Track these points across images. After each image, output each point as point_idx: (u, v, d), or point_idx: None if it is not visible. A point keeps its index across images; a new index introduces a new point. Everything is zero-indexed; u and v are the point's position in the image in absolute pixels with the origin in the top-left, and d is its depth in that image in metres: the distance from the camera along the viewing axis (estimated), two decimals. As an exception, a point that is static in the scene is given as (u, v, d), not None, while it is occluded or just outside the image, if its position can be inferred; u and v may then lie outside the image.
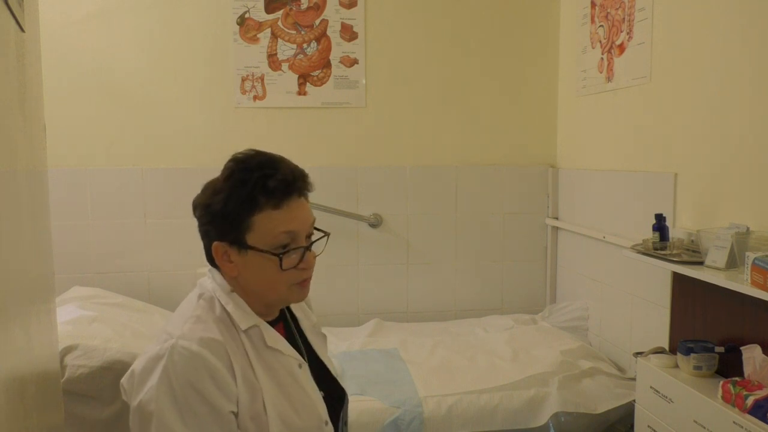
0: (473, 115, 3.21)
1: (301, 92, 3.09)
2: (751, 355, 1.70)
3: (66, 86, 2.89)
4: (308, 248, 1.17)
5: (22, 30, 1.19)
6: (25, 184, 1.17)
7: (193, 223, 1.21)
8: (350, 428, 2.06)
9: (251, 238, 1.13)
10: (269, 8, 3.03)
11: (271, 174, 1.12)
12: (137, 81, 2.96)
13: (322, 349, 1.36)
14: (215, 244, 1.15)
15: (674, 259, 1.96)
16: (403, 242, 3.19)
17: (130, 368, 1.13)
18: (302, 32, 3.06)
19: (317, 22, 3.07)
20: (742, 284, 1.63)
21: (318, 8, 3.06)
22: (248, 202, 1.12)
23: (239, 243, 1.13)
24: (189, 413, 1.05)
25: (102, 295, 2.68)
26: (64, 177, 2.90)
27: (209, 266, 1.23)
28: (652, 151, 2.39)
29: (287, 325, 1.30)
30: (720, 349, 1.86)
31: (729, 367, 1.84)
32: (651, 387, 1.98)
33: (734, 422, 1.59)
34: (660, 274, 2.25)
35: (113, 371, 2.01)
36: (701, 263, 1.88)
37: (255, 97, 3.05)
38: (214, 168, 1.22)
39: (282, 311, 1.29)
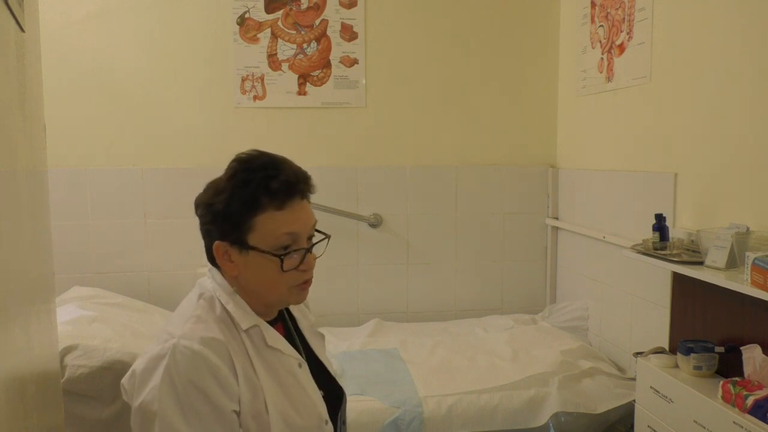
0: (473, 115, 3.21)
1: (301, 92, 3.09)
2: (751, 355, 1.70)
3: (66, 86, 2.89)
4: (309, 250, 1.18)
5: (22, 30, 1.19)
6: (25, 184, 1.17)
7: (193, 223, 1.21)
8: (350, 428, 2.07)
9: (253, 239, 1.13)
10: (269, 8, 3.03)
11: (275, 175, 1.13)
12: (137, 81, 2.96)
13: (320, 348, 1.37)
14: (216, 243, 1.16)
15: (674, 259, 1.96)
16: (403, 242, 3.19)
17: (131, 368, 1.13)
18: (302, 32, 3.06)
19: (317, 22, 3.07)
20: (742, 284, 1.63)
21: (318, 8, 3.06)
22: (251, 202, 1.12)
23: (241, 243, 1.14)
24: (192, 412, 1.05)
25: (102, 295, 2.68)
26: (64, 177, 2.90)
27: (209, 266, 1.23)
28: (652, 151, 2.39)
29: (286, 325, 1.30)
30: (720, 349, 1.86)
31: (729, 367, 1.84)
32: (651, 387, 1.98)
33: (734, 422, 1.59)
34: (660, 274, 2.25)
35: (113, 371, 2.01)
36: (701, 263, 1.88)
37: (255, 97, 3.05)
38: (214, 168, 1.22)
39: (280, 311, 1.29)
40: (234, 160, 1.17)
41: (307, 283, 1.19)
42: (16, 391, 0.97)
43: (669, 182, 2.25)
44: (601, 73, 2.75)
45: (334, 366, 2.45)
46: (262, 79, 3.05)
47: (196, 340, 1.08)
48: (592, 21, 2.83)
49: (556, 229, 3.23)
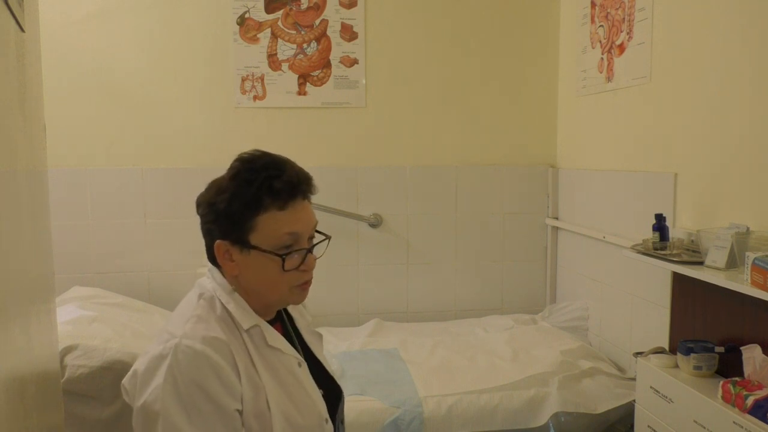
0: (473, 115, 3.21)
1: (301, 92, 3.09)
2: (751, 355, 1.70)
3: (66, 86, 2.89)
4: (310, 250, 1.18)
5: (22, 30, 1.19)
6: (25, 184, 1.17)
7: (193, 223, 1.21)
8: (350, 428, 2.07)
9: (254, 238, 1.13)
10: (269, 8, 3.03)
11: (277, 175, 1.13)
12: (137, 81, 2.96)
13: (318, 348, 1.37)
14: (218, 242, 1.16)
15: (674, 259, 1.96)
16: (403, 242, 3.19)
17: (132, 369, 1.13)
18: (302, 32, 3.06)
19: (317, 22, 3.07)
20: (742, 284, 1.63)
21: (318, 8, 3.06)
22: (253, 202, 1.12)
23: (242, 242, 1.14)
24: (195, 412, 1.05)
25: (102, 295, 2.68)
26: (64, 177, 2.90)
27: (209, 265, 1.23)
28: (652, 151, 2.39)
29: (284, 324, 1.30)
30: (720, 349, 1.86)
31: (729, 367, 1.84)
32: (651, 387, 1.98)
33: (734, 422, 1.59)
34: (660, 274, 2.25)
35: (113, 371, 2.01)
36: (701, 263, 1.88)
37: (255, 97, 3.05)
38: (214, 168, 1.22)
39: (278, 311, 1.30)
40: (237, 160, 1.18)
41: (308, 283, 1.20)
42: (16, 391, 0.97)
43: (669, 182, 2.25)
44: (601, 73, 2.75)
45: (334, 366, 2.47)
46: (262, 79, 3.05)
47: (198, 339, 1.08)
48: (592, 21, 2.83)
49: (556, 229, 3.23)
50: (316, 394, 1.23)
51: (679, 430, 1.83)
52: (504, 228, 3.25)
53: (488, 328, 2.95)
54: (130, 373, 1.13)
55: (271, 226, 1.13)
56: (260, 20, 3.02)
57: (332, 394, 1.32)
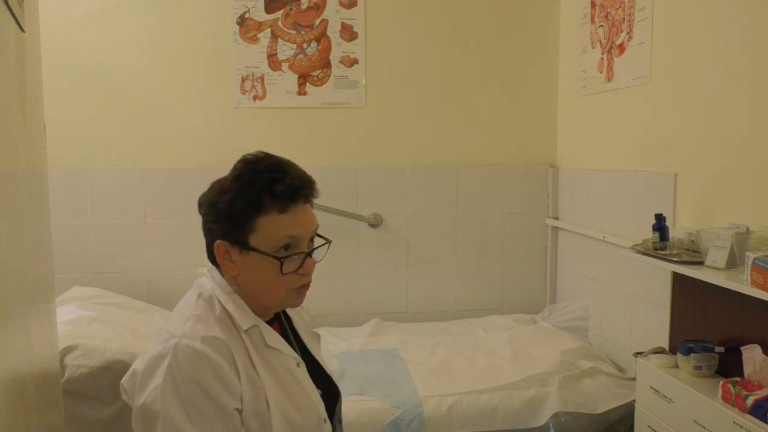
0: (473, 115, 3.21)
1: (301, 92, 3.09)
2: (751, 355, 1.70)
3: (66, 86, 2.89)
4: (309, 254, 1.18)
5: (22, 30, 1.19)
6: (25, 184, 1.17)
7: (194, 223, 1.21)
8: (350, 428, 2.07)
9: (254, 240, 1.13)
10: (269, 8, 3.03)
11: (280, 178, 1.13)
12: (137, 81, 2.96)
13: (316, 348, 1.37)
14: (218, 242, 1.16)
15: (674, 259, 1.96)
16: (403, 242, 3.19)
17: (131, 368, 1.13)
18: (302, 32, 3.06)
19: (317, 22, 3.07)
20: (742, 284, 1.63)
21: (318, 8, 3.06)
22: (254, 203, 1.13)
23: (242, 243, 1.14)
24: (195, 411, 1.05)
25: (102, 295, 2.68)
26: (64, 177, 2.90)
27: (209, 265, 1.23)
28: (652, 151, 2.39)
29: (282, 325, 1.31)
30: (720, 349, 1.86)
31: (729, 367, 1.84)
32: (651, 387, 1.98)
33: (734, 422, 1.59)
34: (660, 274, 2.25)
35: (113, 371, 2.01)
36: (701, 263, 1.88)
37: (255, 97, 3.05)
38: (214, 168, 1.22)
39: (277, 312, 1.30)
40: (240, 161, 1.18)
41: (305, 287, 1.20)
42: (16, 391, 0.97)
43: (669, 182, 2.25)
44: (601, 73, 2.75)
45: (334, 366, 2.47)
46: (262, 79, 3.05)
47: (198, 339, 1.08)
48: (592, 21, 2.83)
49: (556, 229, 3.23)
50: (314, 393, 1.23)
51: (679, 430, 1.83)
52: (504, 228, 3.25)
53: (488, 328, 2.95)
54: (129, 372, 1.13)
55: (271, 228, 1.13)
56: (260, 20, 3.02)
57: (330, 394, 1.32)
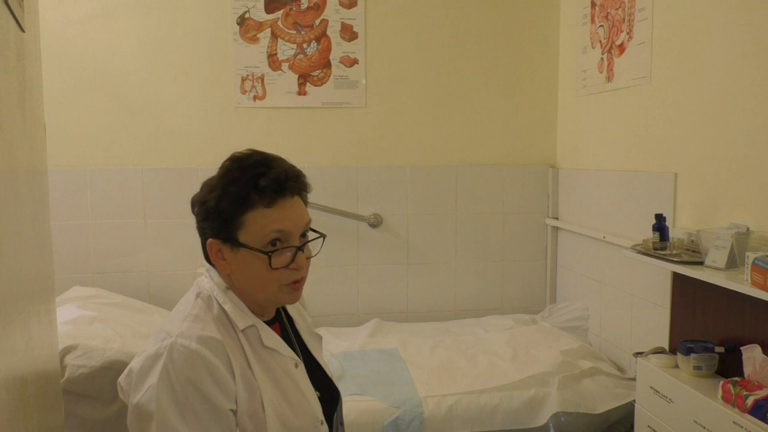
0: (473, 115, 3.21)
1: (301, 92, 3.09)
2: (751, 355, 1.70)
3: (66, 86, 2.89)
4: (300, 249, 1.17)
5: (22, 30, 1.19)
6: (25, 184, 1.17)
7: (193, 223, 1.21)
8: (350, 428, 2.07)
9: (243, 236, 1.14)
10: (269, 8, 3.03)
11: (264, 173, 1.13)
12: (137, 81, 2.96)
13: (317, 349, 1.37)
14: (209, 241, 1.17)
15: (674, 259, 1.96)
16: (403, 242, 3.19)
17: (128, 367, 1.13)
18: (302, 32, 3.06)
19: (317, 22, 3.07)
20: (742, 284, 1.63)
21: (318, 8, 3.06)
22: (240, 199, 1.13)
23: (232, 240, 1.14)
24: (189, 411, 1.05)
25: (102, 295, 2.68)
26: (64, 177, 2.90)
27: (208, 265, 1.23)
28: (652, 151, 2.39)
29: (283, 325, 1.30)
30: (720, 349, 1.86)
31: (729, 367, 1.84)
32: (651, 387, 1.98)
33: (734, 422, 1.59)
34: (660, 274, 2.25)
35: (113, 371, 2.01)
36: (701, 263, 1.88)
37: (255, 97, 3.05)
38: (214, 168, 1.22)
39: (278, 312, 1.30)
40: (228, 159, 1.19)
41: (299, 282, 1.18)
42: (16, 391, 0.97)
43: (669, 182, 2.25)
44: (601, 73, 2.75)
45: (334, 366, 2.47)
46: (262, 79, 3.05)
47: (194, 338, 1.08)
48: (592, 21, 2.83)
49: (556, 229, 3.23)
50: (312, 395, 1.23)
51: (679, 430, 1.83)
52: (504, 228, 3.25)
53: (488, 328, 2.95)
54: (126, 371, 1.14)
55: (259, 223, 1.13)
56: (260, 20, 3.02)
57: (330, 396, 1.31)
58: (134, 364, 1.12)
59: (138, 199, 2.98)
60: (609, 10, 2.67)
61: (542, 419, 2.19)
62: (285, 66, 3.06)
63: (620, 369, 2.53)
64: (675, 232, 2.16)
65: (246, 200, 1.12)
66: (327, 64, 3.09)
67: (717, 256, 1.81)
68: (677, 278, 2.14)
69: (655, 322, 2.32)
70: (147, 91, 2.97)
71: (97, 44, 2.92)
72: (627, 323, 2.56)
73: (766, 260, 1.55)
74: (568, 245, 3.13)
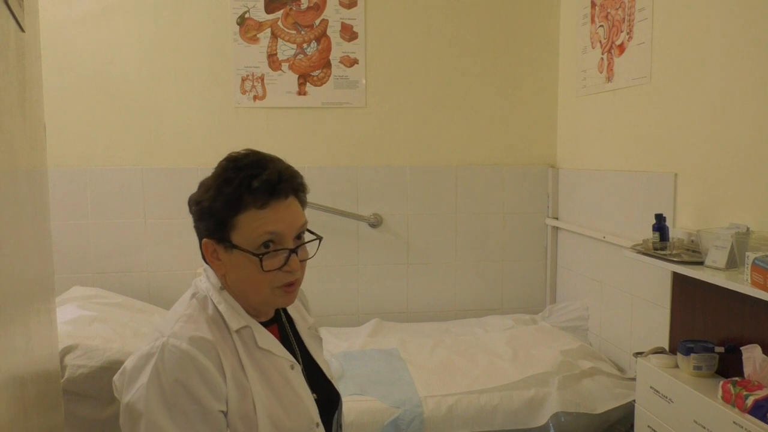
0: (473, 115, 3.21)
1: (301, 92, 3.09)
2: (751, 355, 1.70)
3: (66, 86, 2.89)
4: (294, 251, 1.15)
5: (22, 30, 1.19)
6: (25, 184, 1.17)
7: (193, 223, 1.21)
8: (350, 428, 2.07)
9: (236, 237, 1.13)
10: (269, 8, 3.03)
11: (257, 174, 1.12)
12: (137, 81, 2.96)
13: (318, 351, 1.35)
14: (204, 241, 1.16)
15: (674, 259, 1.96)
16: (403, 242, 3.19)
17: (122, 366, 1.14)
18: (302, 32, 3.06)
19: (317, 22, 3.07)
20: (742, 284, 1.63)
21: (318, 8, 3.06)
22: (234, 200, 1.12)
23: (225, 241, 1.14)
24: (178, 412, 1.05)
25: (102, 295, 2.68)
26: (64, 177, 2.90)
27: (205, 265, 1.23)
28: (652, 151, 2.39)
29: (282, 326, 1.29)
30: (720, 349, 1.86)
31: (729, 367, 1.84)
32: (651, 387, 1.98)
33: (734, 422, 1.59)
34: (660, 274, 2.25)
35: (113, 371, 1.98)
36: (701, 263, 1.88)
37: (255, 97, 3.05)
38: (213, 168, 1.22)
39: (278, 312, 1.29)
40: (224, 159, 1.19)
41: (292, 285, 1.17)
42: (16, 391, 0.97)
43: (669, 182, 2.25)
44: (601, 73, 2.75)
45: (334, 366, 2.47)
46: (262, 79, 3.05)
47: (185, 339, 1.08)
48: (592, 21, 2.83)
49: (556, 229, 3.23)
50: (307, 397, 1.21)
51: (679, 430, 1.83)
52: (504, 228, 3.25)
53: (488, 328, 2.95)
54: (120, 369, 1.14)
55: (251, 224, 1.12)
56: (260, 20, 3.02)
57: (329, 398, 1.30)
58: (128, 364, 1.12)
59: (138, 199, 2.98)
60: (609, 10, 2.67)
61: (542, 419, 2.18)
62: (285, 66, 3.06)
63: (620, 369, 2.53)
64: (675, 232, 2.16)
65: (239, 201, 1.12)
66: (327, 64, 3.09)
67: (717, 256, 1.81)
68: (677, 278, 2.14)
69: (655, 322, 2.32)
70: (147, 91, 2.97)
71: (97, 44, 2.92)
72: (627, 323, 2.56)
73: (766, 260, 1.55)
74: (568, 245, 3.13)
